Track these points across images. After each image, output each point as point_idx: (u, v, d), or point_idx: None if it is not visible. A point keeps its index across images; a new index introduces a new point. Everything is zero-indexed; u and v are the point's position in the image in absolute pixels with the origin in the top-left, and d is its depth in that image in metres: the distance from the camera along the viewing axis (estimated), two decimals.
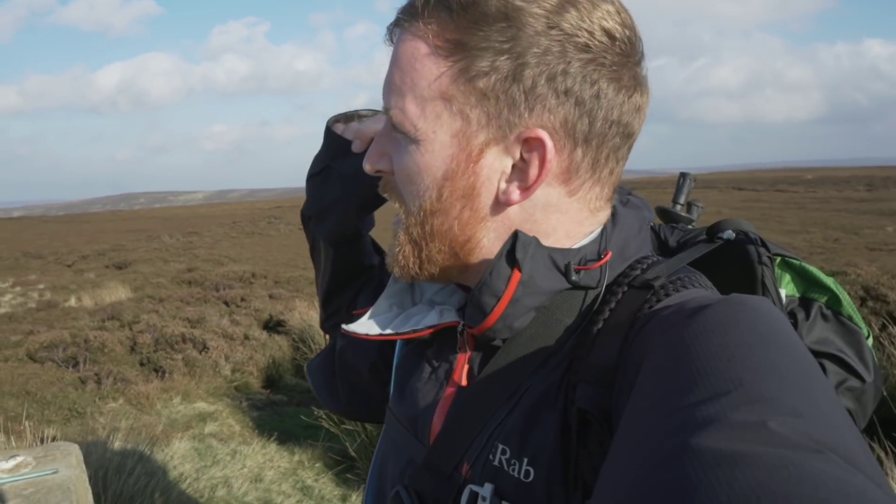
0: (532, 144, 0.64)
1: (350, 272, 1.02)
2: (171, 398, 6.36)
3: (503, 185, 0.66)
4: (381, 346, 0.95)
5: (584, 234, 0.69)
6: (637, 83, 0.66)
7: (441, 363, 0.76)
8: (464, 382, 0.73)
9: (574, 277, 0.66)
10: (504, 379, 0.68)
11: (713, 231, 0.74)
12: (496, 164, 0.66)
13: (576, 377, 0.63)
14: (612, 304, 0.65)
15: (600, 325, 0.64)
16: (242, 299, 13.09)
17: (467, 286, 0.75)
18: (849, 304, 0.75)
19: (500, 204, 0.67)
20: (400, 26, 0.67)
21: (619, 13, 0.64)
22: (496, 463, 0.65)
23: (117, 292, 12.29)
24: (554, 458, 0.61)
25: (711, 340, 0.52)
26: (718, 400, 0.45)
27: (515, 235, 0.65)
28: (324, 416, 4.68)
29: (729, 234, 0.73)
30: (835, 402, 0.47)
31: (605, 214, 0.71)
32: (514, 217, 0.68)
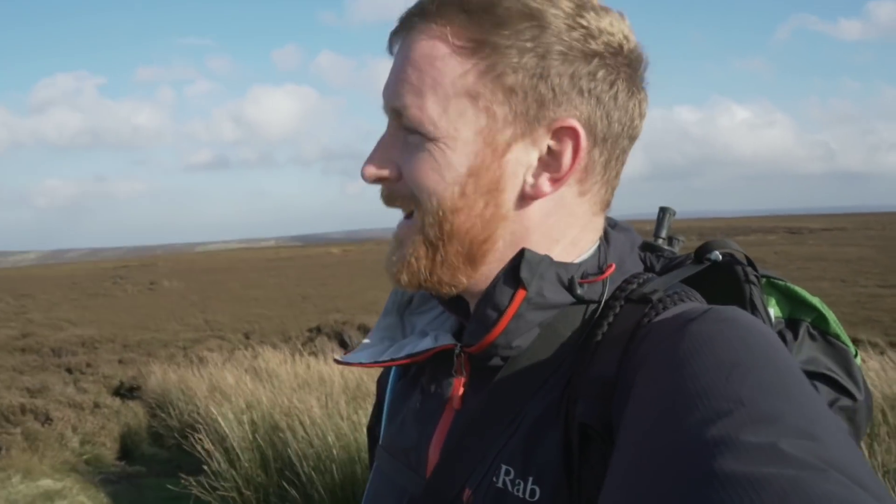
0: (563, 134, 0.66)
1: None
2: (9, 477, 5.69)
3: (530, 179, 0.67)
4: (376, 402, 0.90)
5: (589, 241, 0.71)
6: (642, 88, 0.70)
7: (435, 389, 0.75)
8: (458, 406, 0.72)
9: (579, 291, 0.66)
10: (506, 400, 0.67)
11: (701, 252, 0.74)
12: (522, 158, 0.67)
13: (575, 392, 0.63)
14: (610, 318, 0.65)
15: (599, 339, 0.64)
16: (88, 365, 12.02)
17: (460, 310, 0.74)
18: (835, 323, 0.75)
19: (525, 199, 0.68)
20: (409, 28, 0.67)
21: (623, 20, 0.68)
22: (500, 484, 0.64)
23: None
24: (558, 474, 0.61)
25: (706, 357, 0.53)
26: (722, 420, 0.46)
27: (522, 253, 0.65)
28: (194, 484, 4.38)
29: (716, 255, 0.73)
30: (831, 416, 0.50)
31: (601, 222, 0.73)
32: (534, 215, 0.68)
